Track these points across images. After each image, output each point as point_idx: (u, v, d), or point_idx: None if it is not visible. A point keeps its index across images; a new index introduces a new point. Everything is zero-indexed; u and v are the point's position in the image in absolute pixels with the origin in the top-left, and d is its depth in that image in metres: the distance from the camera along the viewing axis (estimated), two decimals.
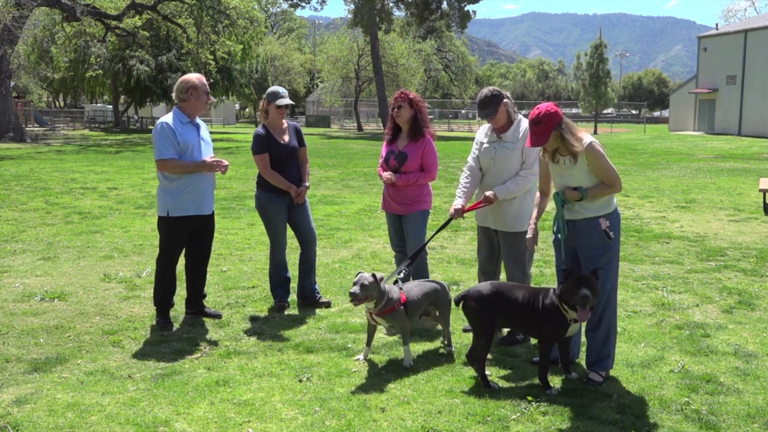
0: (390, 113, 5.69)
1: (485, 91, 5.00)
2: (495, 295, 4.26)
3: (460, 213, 5.02)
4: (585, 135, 4.21)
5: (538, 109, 4.21)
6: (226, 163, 5.37)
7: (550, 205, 4.59)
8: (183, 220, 5.31)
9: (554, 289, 4.19)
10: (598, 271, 4.12)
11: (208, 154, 5.40)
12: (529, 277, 5.10)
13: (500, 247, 5.13)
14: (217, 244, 8.15)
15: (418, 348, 4.90)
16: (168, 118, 5.32)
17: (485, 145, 5.08)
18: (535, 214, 4.54)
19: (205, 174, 5.36)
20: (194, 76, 5.40)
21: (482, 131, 5.19)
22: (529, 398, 4.05)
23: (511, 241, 5.00)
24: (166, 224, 5.34)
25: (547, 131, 4.14)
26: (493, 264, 5.23)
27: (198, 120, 5.50)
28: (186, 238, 5.44)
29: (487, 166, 5.06)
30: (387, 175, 5.57)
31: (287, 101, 5.74)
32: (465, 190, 5.14)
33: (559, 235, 4.34)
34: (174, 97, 5.39)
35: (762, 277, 7.02)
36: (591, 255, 4.27)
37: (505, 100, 4.96)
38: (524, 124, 4.95)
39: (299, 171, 5.89)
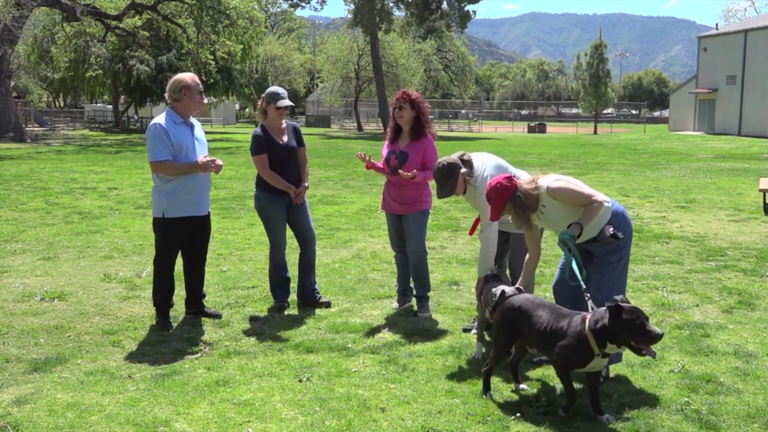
0: (392, 113, 5.69)
1: (440, 164, 4.81)
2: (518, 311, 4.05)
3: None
4: (541, 181, 4.22)
5: (489, 184, 4.25)
6: (219, 162, 5.34)
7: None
8: (179, 221, 5.30)
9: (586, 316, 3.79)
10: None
11: (202, 154, 5.37)
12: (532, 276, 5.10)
13: (503, 245, 5.13)
14: (217, 244, 8.15)
15: (417, 348, 4.90)
16: (161, 118, 5.26)
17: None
18: (520, 279, 4.49)
19: (201, 174, 5.33)
20: (187, 76, 5.34)
21: None
22: (529, 398, 4.05)
23: (521, 242, 4.99)
24: (161, 225, 5.32)
25: (499, 206, 4.20)
26: (500, 264, 5.21)
27: (192, 119, 5.45)
28: (182, 239, 5.42)
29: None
30: (409, 174, 5.49)
31: (287, 102, 5.72)
32: None
33: (573, 282, 4.24)
34: (167, 97, 5.32)
35: (762, 277, 7.02)
36: (602, 257, 4.33)
37: (462, 170, 4.79)
38: (479, 188, 4.80)
39: (299, 171, 5.88)
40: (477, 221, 5.08)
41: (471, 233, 5.43)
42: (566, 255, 4.25)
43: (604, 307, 3.66)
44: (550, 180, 4.22)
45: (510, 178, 4.23)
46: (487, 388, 4.12)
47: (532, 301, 4.04)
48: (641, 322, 3.55)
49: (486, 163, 4.91)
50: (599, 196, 4.23)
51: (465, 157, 4.90)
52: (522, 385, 4.22)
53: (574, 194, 4.18)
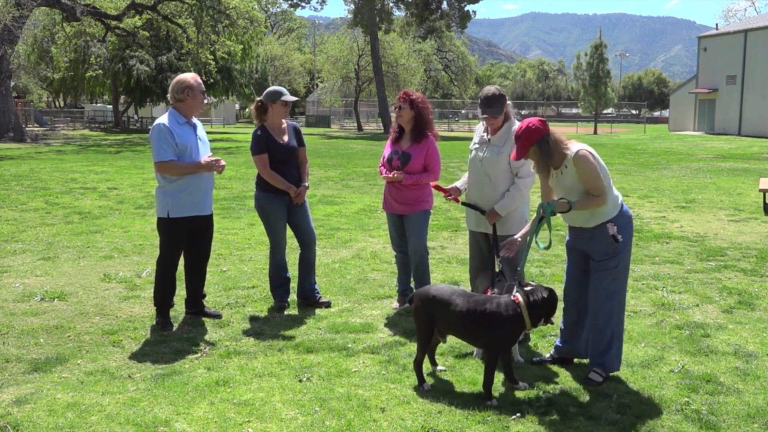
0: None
1: (492, 89, 4.94)
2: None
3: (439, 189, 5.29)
4: (574, 144, 4.18)
5: (521, 123, 4.25)
6: (223, 162, 5.36)
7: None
8: (183, 220, 5.31)
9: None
10: None
11: (206, 154, 5.38)
12: (522, 275, 5.07)
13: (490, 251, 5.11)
14: (217, 244, 8.15)
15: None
16: (164, 119, 5.27)
17: (476, 145, 5.09)
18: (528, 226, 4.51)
19: (204, 174, 5.34)
20: (189, 76, 5.35)
21: (478, 130, 5.18)
22: (529, 398, 4.05)
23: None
24: (166, 225, 5.33)
25: (525, 146, 4.19)
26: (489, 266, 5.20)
27: (194, 120, 5.46)
28: (186, 239, 5.43)
29: (475, 168, 5.06)
30: (393, 174, 5.56)
31: (292, 97, 5.75)
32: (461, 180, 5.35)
33: (541, 245, 4.38)
34: (170, 98, 5.33)
35: (762, 277, 7.02)
36: (600, 259, 4.28)
37: (508, 102, 4.95)
38: (516, 128, 4.91)
39: (299, 171, 5.88)
40: (441, 189, 5.29)
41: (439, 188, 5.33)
42: (536, 222, 4.28)
43: (530, 287, 4.10)
44: (583, 147, 4.17)
45: (544, 122, 4.22)
46: (421, 381, 4.23)
47: (446, 290, 4.26)
48: (557, 302, 4.13)
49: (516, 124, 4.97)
50: (611, 194, 4.20)
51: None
52: (440, 367, 4.48)
53: (594, 176, 4.13)
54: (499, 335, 4.04)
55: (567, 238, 4.53)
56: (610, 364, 4.34)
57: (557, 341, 4.64)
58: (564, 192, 4.27)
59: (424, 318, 4.23)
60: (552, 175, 4.29)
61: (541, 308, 4.03)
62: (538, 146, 4.16)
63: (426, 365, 4.34)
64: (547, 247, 4.57)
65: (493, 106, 4.88)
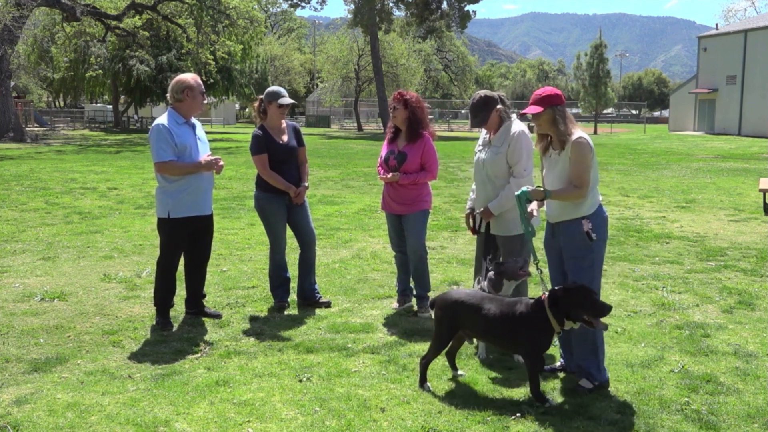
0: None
1: (477, 95, 4.89)
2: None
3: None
4: (579, 131, 4.18)
5: (543, 89, 4.27)
6: (222, 162, 5.36)
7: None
8: (184, 220, 5.31)
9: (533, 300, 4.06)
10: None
11: (205, 153, 5.38)
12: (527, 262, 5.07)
13: (496, 250, 5.12)
14: (217, 244, 8.15)
15: (417, 348, 4.90)
16: (163, 119, 5.27)
17: (479, 147, 5.09)
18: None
19: (204, 174, 5.34)
20: (189, 76, 5.35)
21: (482, 132, 5.18)
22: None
23: (510, 244, 4.99)
24: (166, 225, 5.33)
25: (542, 105, 4.16)
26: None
27: (193, 120, 5.46)
28: (186, 239, 5.43)
29: (479, 169, 5.05)
30: (389, 176, 5.57)
31: (289, 100, 5.74)
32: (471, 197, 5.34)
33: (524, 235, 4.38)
34: (169, 98, 5.33)
35: (762, 277, 7.02)
36: (573, 256, 4.23)
37: (498, 107, 4.85)
38: (514, 127, 4.86)
39: (299, 171, 5.88)
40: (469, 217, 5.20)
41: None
42: (520, 208, 4.26)
43: (556, 288, 3.97)
44: (584, 135, 4.14)
45: (561, 93, 4.24)
46: (423, 380, 4.20)
47: (474, 295, 4.19)
48: (592, 297, 3.87)
49: (521, 125, 4.93)
50: (593, 192, 4.18)
51: (505, 101, 4.95)
52: (460, 372, 4.39)
53: (584, 165, 4.09)
54: (530, 338, 3.94)
55: (544, 235, 4.49)
56: (594, 372, 4.22)
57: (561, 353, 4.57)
58: (553, 176, 4.25)
59: (447, 323, 4.16)
60: (549, 155, 4.26)
61: (564, 309, 3.85)
62: (553, 111, 4.14)
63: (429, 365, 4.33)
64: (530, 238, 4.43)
65: (477, 115, 4.85)
